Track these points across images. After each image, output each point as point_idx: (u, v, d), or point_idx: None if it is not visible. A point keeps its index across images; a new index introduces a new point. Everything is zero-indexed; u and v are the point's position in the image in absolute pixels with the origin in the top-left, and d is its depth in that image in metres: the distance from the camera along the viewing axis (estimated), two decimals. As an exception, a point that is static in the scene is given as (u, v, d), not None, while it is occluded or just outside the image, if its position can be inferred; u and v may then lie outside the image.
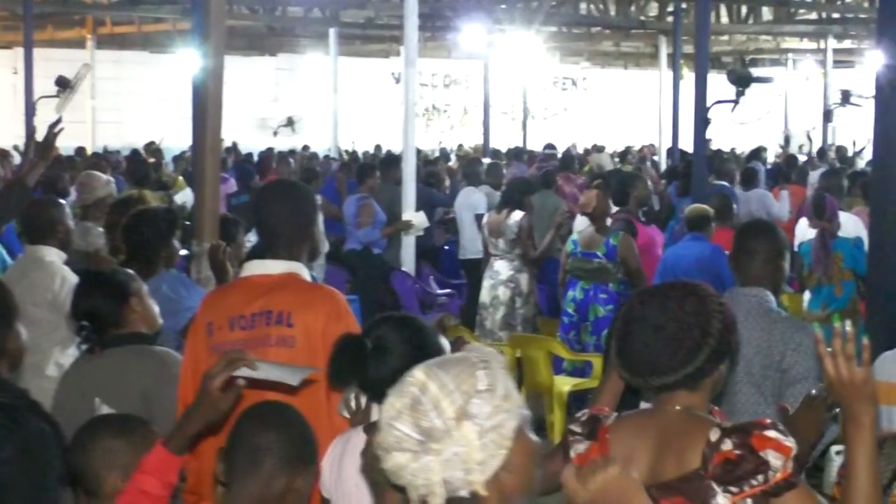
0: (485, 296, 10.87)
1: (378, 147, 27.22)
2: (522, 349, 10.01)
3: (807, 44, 33.19)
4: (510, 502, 2.59)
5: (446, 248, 15.16)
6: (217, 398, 3.40)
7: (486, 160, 18.75)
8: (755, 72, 20.15)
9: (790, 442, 3.05)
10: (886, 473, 3.73)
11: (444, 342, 3.79)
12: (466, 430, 2.50)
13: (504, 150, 26.95)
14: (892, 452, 3.80)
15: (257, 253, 4.69)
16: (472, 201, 13.87)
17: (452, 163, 24.75)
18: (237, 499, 3.24)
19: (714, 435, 3.06)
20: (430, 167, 18.99)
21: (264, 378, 3.51)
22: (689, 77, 18.23)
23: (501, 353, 10.27)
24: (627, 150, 26.27)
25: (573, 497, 2.73)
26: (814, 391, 3.95)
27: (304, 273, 4.51)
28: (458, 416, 2.50)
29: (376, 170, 14.17)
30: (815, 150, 26.43)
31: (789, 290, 12.46)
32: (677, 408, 3.20)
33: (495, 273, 10.79)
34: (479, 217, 13.19)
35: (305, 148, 28.05)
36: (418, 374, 2.57)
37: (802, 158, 23.96)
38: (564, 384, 9.72)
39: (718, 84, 16.23)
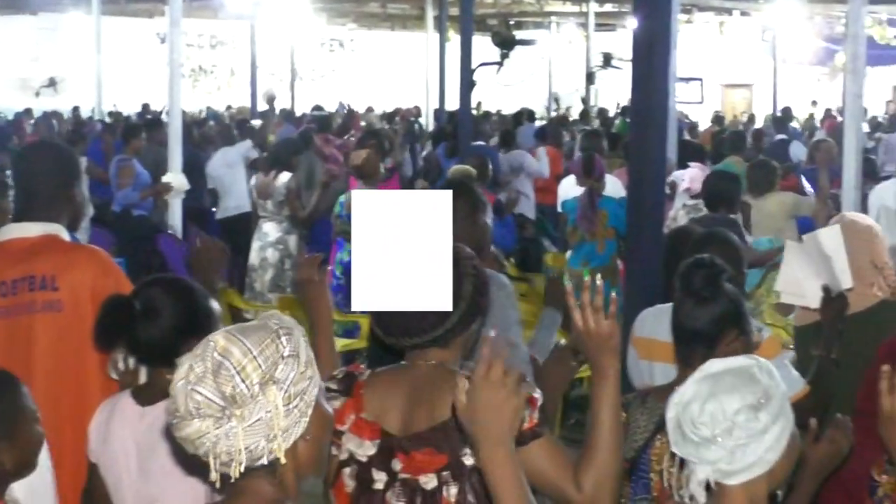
0: (254, 258, 10.84)
1: (146, 106, 26.79)
2: (290, 311, 10.00)
3: (569, 7, 33.81)
4: (304, 471, 2.60)
5: (214, 210, 15.04)
6: None
7: (255, 122, 18.64)
8: (519, 35, 20.52)
9: (537, 393, 3.13)
10: (650, 427, 3.85)
11: (215, 304, 3.75)
12: (272, 395, 2.47)
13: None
14: (654, 407, 3.89)
15: (15, 216, 4.58)
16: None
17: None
18: None
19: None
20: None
21: None
22: (455, 39, 18.39)
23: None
24: (396, 112, 26.43)
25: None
26: (562, 341, 4.00)
27: (64, 234, 4.43)
28: (263, 381, 2.47)
29: (142, 131, 13.98)
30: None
31: (553, 249, 12.74)
32: (430, 363, 3.26)
33: (264, 235, 10.78)
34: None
35: (76, 109, 27.41)
36: (219, 339, 2.51)
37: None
38: (332, 345, 9.75)
39: (484, 46, 16.44)
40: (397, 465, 3.17)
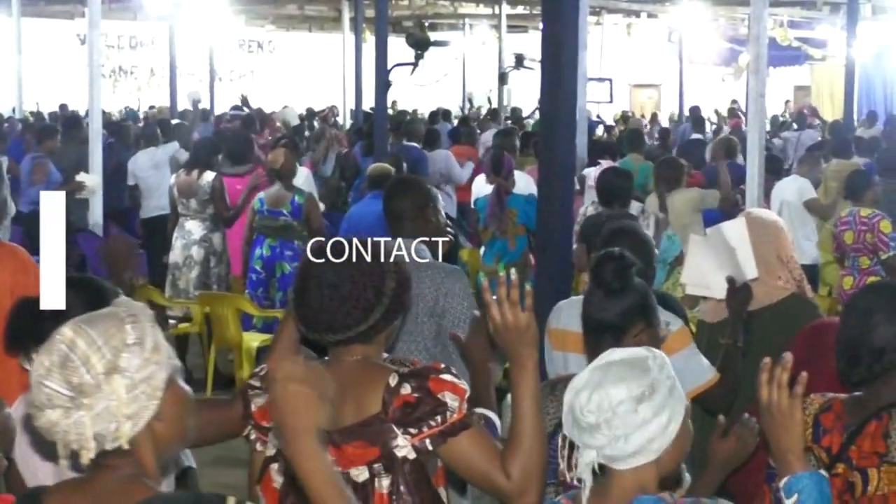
0: (177, 256, 10.83)
1: (63, 106, 26.63)
2: (212, 307, 10.11)
3: (482, 9, 33.88)
4: (164, 449, 2.69)
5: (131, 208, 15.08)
6: None
7: (175, 121, 18.68)
8: (434, 36, 20.63)
9: (464, 384, 3.20)
10: (558, 414, 3.76)
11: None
12: (116, 384, 2.57)
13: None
14: (563, 395, 3.85)
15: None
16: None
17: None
18: None
19: (393, 380, 3.17)
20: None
21: None
22: (371, 40, 18.55)
23: (187, 310, 10.34)
24: (312, 112, 26.48)
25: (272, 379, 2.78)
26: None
27: (-16, 233, 4.52)
28: (107, 370, 2.57)
29: (56, 132, 14.00)
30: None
31: (468, 246, 12.98)
32: (355, 358, 3.29)
33: (187, 233, 10.78)
34: None
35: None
36: (66, 331, 2.61)
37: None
38: (253, 340, 9.84)
39: (399, 48, 16.60)
40: (328, 458, 3.21)
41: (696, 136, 19.61)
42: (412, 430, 3.15)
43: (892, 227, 9.42)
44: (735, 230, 5.23)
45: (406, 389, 3.16)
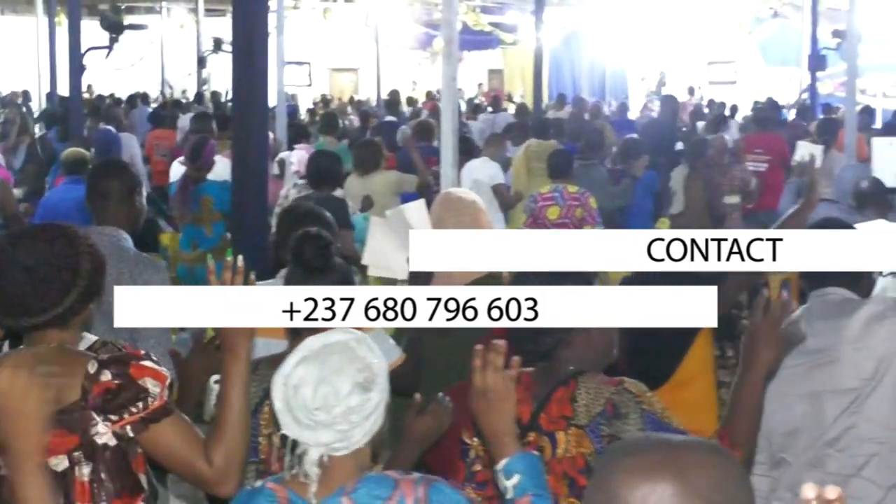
0: None
1: None
2: None
3: (177, -7, 33.71)
4: None
5: None
6: None
7: None
8: (130, 19, 20.37)
9: (165, 371, 3.20)
10: (258, 393, 3.91)
11: None
12: None
13: None
14: (264, 374, 3.92)
15: None
16: None
17: None
18: None
19: (92, 367, 3.13)
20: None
21: None
22: (66, 23, 18.19)
23: None
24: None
25: None
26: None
27: None
28: None
29: None
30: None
31: (169, 230, 12.92)
32: (52, 345, 3.24)
33: None
34: None
35: None
36: None
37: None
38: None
39: (94, 31, 16.37)
40: (25, 448, 3.10)
41: (389, 118, 19.95)
42: (113, 417, 3.13)
43: (596, 203, 9.90)
44: (416, 212, 5.36)
45: (106, 376, 3.13)
